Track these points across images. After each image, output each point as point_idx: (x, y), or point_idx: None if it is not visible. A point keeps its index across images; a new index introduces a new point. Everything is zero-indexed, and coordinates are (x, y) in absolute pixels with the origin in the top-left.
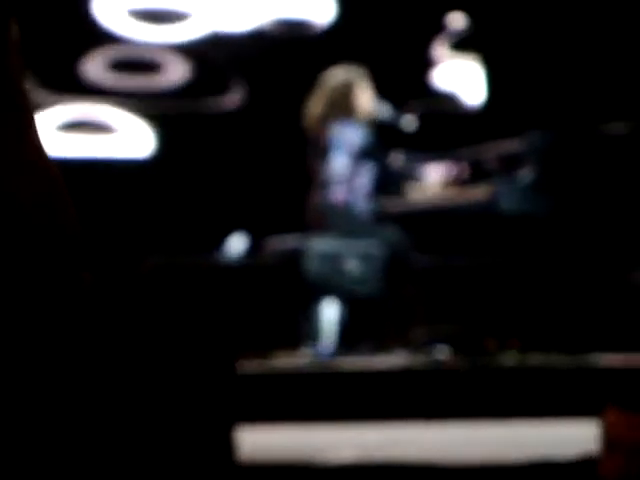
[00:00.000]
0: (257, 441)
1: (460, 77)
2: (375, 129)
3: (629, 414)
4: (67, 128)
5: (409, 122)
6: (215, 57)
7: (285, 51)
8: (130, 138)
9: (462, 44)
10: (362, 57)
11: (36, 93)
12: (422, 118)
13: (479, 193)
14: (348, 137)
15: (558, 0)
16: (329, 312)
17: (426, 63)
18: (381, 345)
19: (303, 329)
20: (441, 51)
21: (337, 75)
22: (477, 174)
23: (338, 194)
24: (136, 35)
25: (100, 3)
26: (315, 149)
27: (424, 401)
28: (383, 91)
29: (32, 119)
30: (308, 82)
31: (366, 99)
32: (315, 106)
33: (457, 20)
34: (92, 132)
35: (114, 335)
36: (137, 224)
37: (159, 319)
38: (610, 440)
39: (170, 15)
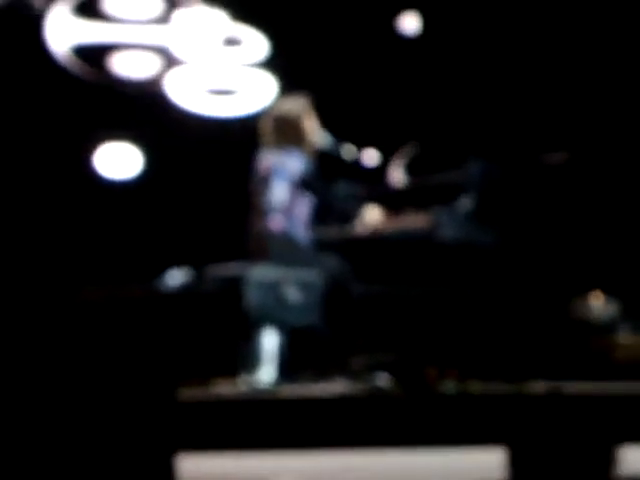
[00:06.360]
0: (197, 469)
1: None
2: (317, 159)
3: None
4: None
5: (349, 152)
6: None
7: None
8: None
9: None
10: (305, 86)
11: None
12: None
13: (419, 222)
14: (291, 166)
15: (499, 29)
16: (269, 340)
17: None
18: (321, 374)
19: (243, 357)
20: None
21: (285, 104)
22: (418, 203)
23: (277, 222)
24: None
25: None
26: (258, 177)
27: (364, 429)
28: (324, 120)
29: None
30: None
31: (312, 129)
32: (263, 135)
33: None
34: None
35: (55, 363)
36: (76, 252)
37: (99, 348)
38: None
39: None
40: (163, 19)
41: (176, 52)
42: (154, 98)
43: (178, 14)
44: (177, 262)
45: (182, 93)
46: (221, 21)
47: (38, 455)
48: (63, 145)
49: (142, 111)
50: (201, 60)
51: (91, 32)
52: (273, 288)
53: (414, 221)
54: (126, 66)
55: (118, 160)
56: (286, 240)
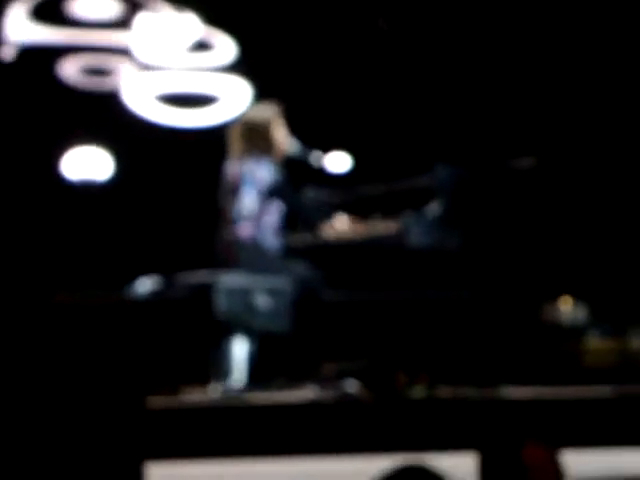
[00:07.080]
0: (166, 477)
1: None
2: (285, 166)
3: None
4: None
5: (318, 158)
6: None
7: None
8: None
9: None
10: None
11: None
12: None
13: (388, 228)
14: (260, 174)
15: (467, 34)
16: (239, 347)
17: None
18: (291, 380)
19: (213, 364)
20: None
21: (253, 112)
22: (387, 209)
23: (246, 230)
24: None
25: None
26: (227, 185)
27: (334, 435)
28: (292, 127)
29: None
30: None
31: (281, 137)
32: (232, 142)
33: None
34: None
35: (23, 369)
36: (45, 259)
37: (68, 355)
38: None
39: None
40: (125, 23)
41: (140, 56)
42: (122, 104)
43: (141, 18)
44: (147, 270)
45: (145, 101)
46: (189, 25)
47: (6, 460)
48: (32, 150)
49: (111, 116)
50: (167, 65)
51: (50, 35)
52: (243, 295)
53: (383, 227)
54: (90, 68)
55: (87, 165)
56: (255, 247)
